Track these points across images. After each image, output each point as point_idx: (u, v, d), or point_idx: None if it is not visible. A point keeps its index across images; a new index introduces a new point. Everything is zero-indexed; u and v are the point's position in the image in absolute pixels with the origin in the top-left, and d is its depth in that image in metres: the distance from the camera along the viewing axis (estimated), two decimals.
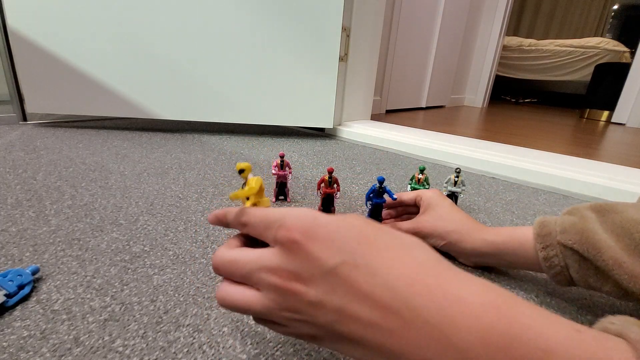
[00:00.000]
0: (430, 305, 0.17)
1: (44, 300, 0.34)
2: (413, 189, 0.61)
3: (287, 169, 0.60)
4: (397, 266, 0.18)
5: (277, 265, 0.20)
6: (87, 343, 0.29)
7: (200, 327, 0.32)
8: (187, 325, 0.32)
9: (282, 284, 0.19)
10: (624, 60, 3.04)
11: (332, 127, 1.19)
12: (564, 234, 0.35)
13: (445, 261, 0.19)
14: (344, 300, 0.18)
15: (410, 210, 0.54)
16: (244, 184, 0.29)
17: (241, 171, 0.28)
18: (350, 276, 0.18)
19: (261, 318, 0.22)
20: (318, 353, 0.30)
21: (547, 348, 0.15)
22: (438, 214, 0.46)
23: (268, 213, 0.22)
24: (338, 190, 0.55)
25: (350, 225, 0.20)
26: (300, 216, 0.20)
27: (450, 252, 0.46)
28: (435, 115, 2.12)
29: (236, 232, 0.26)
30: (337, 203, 0.62)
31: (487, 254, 0.42)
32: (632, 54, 2.42)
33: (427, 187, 0.60)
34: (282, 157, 0.59)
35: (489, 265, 0.45)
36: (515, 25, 4.74)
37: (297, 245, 0.19)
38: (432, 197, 0.48)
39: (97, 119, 1.27)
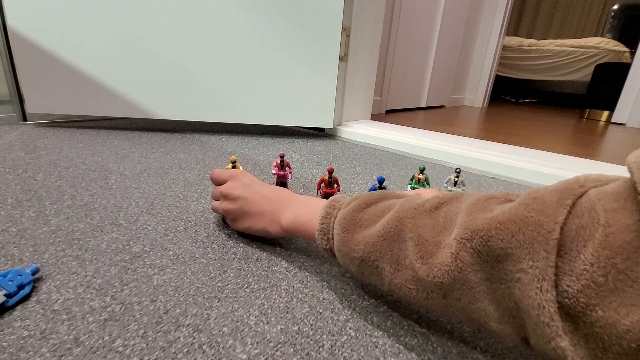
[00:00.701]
0: (283, 195, 0.44)
1: (44, 300, 0.34)
2: (413, 188, 0.61)
3: (287, 169, 0.60)
4: (275, 187, 0.46)
5: (225, 186, 0.46)
6: (87, 343, 0.29)
7: (200, 327, 0.32)
8: (187, 325, 0.32)
9: (225, 191, 0.46)
10: (624, 60, 3.04)
11: (332, 127, 1.19)
12: None
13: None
14: (248, 194, 0.44)
15: None
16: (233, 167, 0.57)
17: (234, 162, 0.57)
18: (253, 186, 0.45)
19: (223, 214, 0.47)
20: (318, 353, 0.30)
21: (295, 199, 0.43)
22: None
23: (223, 170, 0.50)
24: (338, 190, 0.55)
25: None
26: (238, 170, 0.50)
27: None
28: (435, 115, 2.12)
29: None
30: None
31: None
32: (632, 54, 2.42)
33: (427, 187, 0.60)
34: (282, 157, 0.59)
35: None
36: (515, 25, 4.73)
37: (235, 178, 0.47)
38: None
39: (97, 119, 1.27)
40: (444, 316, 0.35)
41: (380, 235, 0.30)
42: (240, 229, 0.46)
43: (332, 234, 0.35)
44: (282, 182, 0.61)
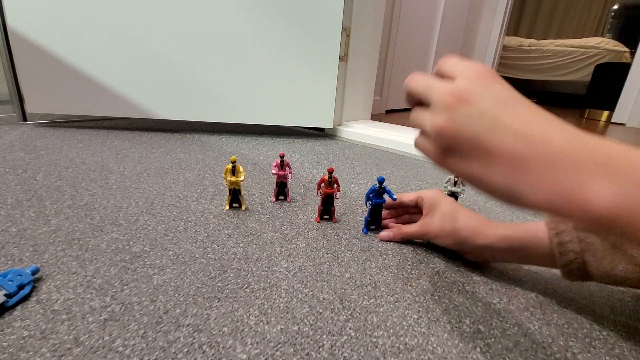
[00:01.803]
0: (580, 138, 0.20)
1: (44, 300, 0.34)
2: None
3: (287, 169, 0.60)
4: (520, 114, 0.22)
5: (462, 84, 0.23)
6: (87, 343, 0.29)
7: (200, 327, 0.32)
8: (187, 325, 0.32)
9: (460, 92, 0.23)
10: (624, 60, 3.04)
11: (332, 127, 1.19)
12: None
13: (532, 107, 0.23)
14: (496, 113, 0.22)
15: (410, 211, 0.54)
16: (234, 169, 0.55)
17: (234, 162, 0.54)
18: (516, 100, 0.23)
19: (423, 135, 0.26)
20: (318, 353, 0.30)
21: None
22: (443, 213, 0.46)
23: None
24: (338, 190, 0.55)
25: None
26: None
27: (460, 250, 0.46)
28: None
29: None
30: (337, 203, 0.62)
31: (500, 249, 0.41)
32: (632, 54, 2.42)
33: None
34: (282, 157, 0.59)
35: (500, 261, 0.45)
36: (515, 25, 4.73)
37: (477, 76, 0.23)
38: (433, 197, 0.48)
39: (97, 119, 1.27)
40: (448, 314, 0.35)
41: None
42: (462, 172, 0.25)
43: None
44: (282, 182, 0.61)
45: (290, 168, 0.61)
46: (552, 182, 0.19)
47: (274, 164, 0.60)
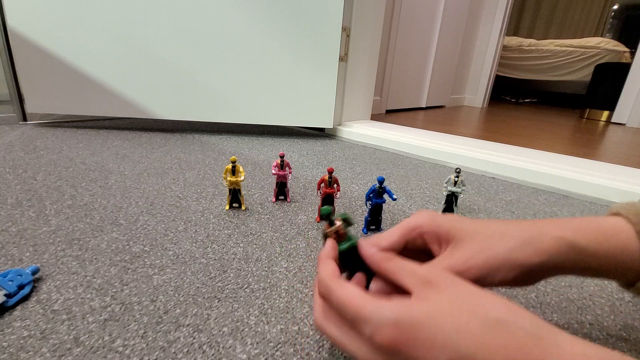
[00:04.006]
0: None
1: (44, 300, 0.34)
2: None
3: (287, 169, 0.60)
4: (499, 352, 0.18)
5: None
6: (87, 343, 0.29)
7: (200, 327, 0.32)
8: (187, 325, 0.32)
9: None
10: (624, 60, 3.04)
11: (332, 127, 1.19)
12: None
13: (541, 329, 0.19)
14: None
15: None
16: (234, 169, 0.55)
17: (234, 161, 0.54)
18: None
19: None
20: (318, 353, 0.30)
21: None
22: (485, 231, 0.26)
23: (361, 304, 0.21)
24: (338, 190, 0.55)
25: (446, 315, 0.19)
26: (397, 320, 0.19)
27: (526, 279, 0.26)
28: (435, 115, 2.12)
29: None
30: (337, 203, 0.62)
31: (565, 262, 0.26)
32: (632, 54, 2.42)
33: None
34: (282, 157, 0.59)
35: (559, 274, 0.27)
36: (515, 25, 4.73)
37: (397, 351, 0.19)
38: (442, 218, 0.28)
39: (97, 119, 1.27)
40: None
41: None
42: None
43: None
44: (282, 182, 0.61)
45: (290, 168, 0.61)
46: None
47: (274, 164, 0.60)
